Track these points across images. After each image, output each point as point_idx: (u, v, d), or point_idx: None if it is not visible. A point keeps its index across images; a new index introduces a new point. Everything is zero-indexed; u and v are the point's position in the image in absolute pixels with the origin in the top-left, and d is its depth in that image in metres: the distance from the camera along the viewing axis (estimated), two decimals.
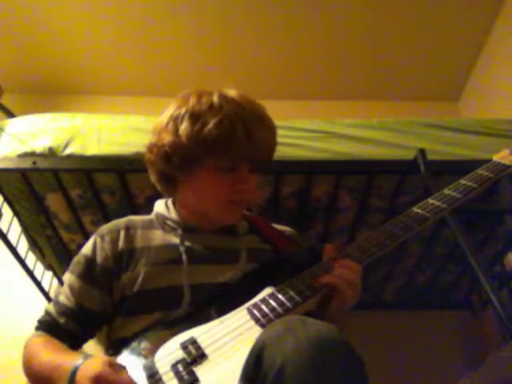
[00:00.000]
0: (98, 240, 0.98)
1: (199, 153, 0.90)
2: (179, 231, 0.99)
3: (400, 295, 2.14)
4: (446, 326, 2.16)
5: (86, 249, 0.98)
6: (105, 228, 1.01)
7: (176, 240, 0.97)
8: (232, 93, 0.95)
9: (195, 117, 0.90)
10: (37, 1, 2.49)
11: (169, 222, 1.01)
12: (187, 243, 0.97)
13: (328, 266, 0.85)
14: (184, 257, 0.94)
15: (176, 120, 0.92)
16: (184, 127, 0.90)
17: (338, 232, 1.73)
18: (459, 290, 2.14)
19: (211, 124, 0.88)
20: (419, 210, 0.98)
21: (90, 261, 0.96)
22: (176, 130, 0.91)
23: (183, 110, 0.92)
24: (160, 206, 1.07)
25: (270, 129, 0.98)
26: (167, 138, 0.92)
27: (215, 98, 0.92)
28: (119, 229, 0.99)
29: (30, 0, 2.48)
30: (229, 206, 0.96)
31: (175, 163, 0.93)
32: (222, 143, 0.89)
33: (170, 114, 0.94)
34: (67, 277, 0.98)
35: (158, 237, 0.99)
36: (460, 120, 1.74)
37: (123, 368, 0.74)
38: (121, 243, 0.96)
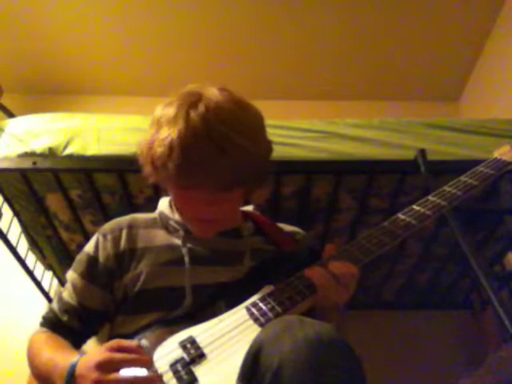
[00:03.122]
0: (101, 239, 0.98)
1: (149, 167, 0.86)
2: (181, 232, 0.98)
3: (400, 295, 2.14)
4: (446, 325, 2.16)
5: (89, 247, 0.99)
6: (107, 226, 1.01)
7: (178, 241, 0.97)
8: (212, 102, 0.83)
9: (156, 126, 0.85)
10: (37, 1, 2.49)
11: (171, 223, 1.00)
12: (189, 245, 0.96)
13: (324, 265, 0.85)
14: (186, 258, 0.93)
15: (154, 142, 0.85)
16: (144, 137, 0.87)
17: (338, 232, 1.73)
18: (459, 290, 2.14)
19: (156, 142, 0.82)
20: (419, 208, 0.97)
21: (92, 260, 0.96)
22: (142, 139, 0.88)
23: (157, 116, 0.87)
24: (164, 204, 1.05)
25: (234, 153, 0.82)
26: (141, 146, 0.89)
27: (180, 111, 0.82)
28: (121, 228, 0.99)
29: (30, 0, 2.48)
30: (197, 223, 0.93)
31: (150, 178, 0.89)
32: (161, 163, 0.82)
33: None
34: (70, 274, 0.99)
35: (161, 237, 0.98)
36: (460, 120, 1.74)
37: (121, 343, 0.74)
38: (123, 242, 0.96)
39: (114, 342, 0.75)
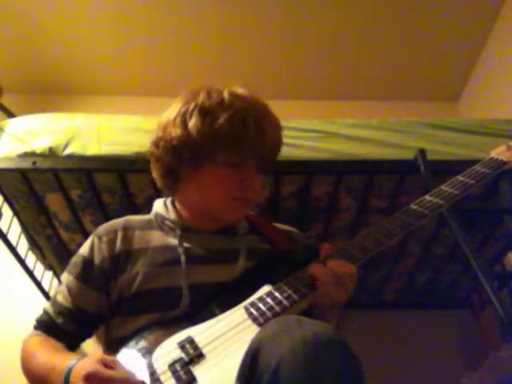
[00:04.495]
0: (96, 241, 0.98)
1: (209, 147, 0.90)
2: (178, 232, 0.98)
3: (400, 295, 2.14)
4: (446, 326, 2.16)
5: (84, 249, 0.99)
6: (102, 228, 1.01)
7: (174, 241, 0.96)
8: (240, 90, 0.95)
9: (205, 112, 0.90)
10: (37, 1, 2.49)
11: (167, 223, 1.00)
12: (186, 244, 0.96)
13: (323, 263, 0.85)
14: (182, 258, 0.93)
15: (185, 115, 0.91)
16: (194, 122, 0.89)
17: (338, 232, 1.73)
18: (459, 290, 2.14)
19: (222, 119, 0.88)
20: (417, 207, 0.97)
21: (88, 262, 0.96)
22: (185, 125, 0.90)
23: (192, 105, 0.91)
24: (159, 205, 1.05)
25: (277, 127, 0.99)
26: (175, 132, 0.91)
27: (225, 94, 0.92)
28: (117, 230, 0.99)
29: (29, 0, 2.48)
30: (233, 203, 0.95)
31: (183, 158, 0.92)
32: (234, 138, 0.89)
33: (178, 109, 0.93)
34: (65, 277, 0.98)
35: (157, 237, 0.98)
36: (460, 120, 1.75)
37: (117, 363, 0.74)
38: (118, 244, 0.96)
39: (110, 358, 0.74)
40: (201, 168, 0.93)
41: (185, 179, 0.96)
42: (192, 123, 0.89)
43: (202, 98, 0.92)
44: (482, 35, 2.60)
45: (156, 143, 0.95)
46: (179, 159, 0.92)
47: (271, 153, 0.98)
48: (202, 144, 0.89)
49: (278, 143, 0.99)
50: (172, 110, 0.95)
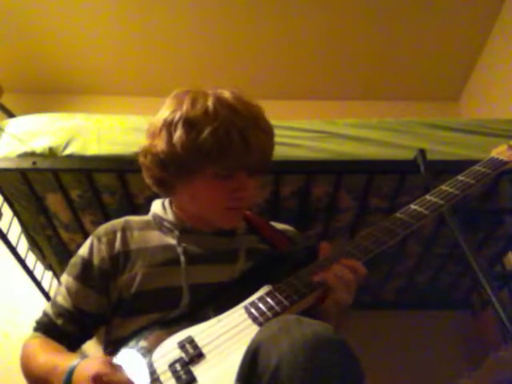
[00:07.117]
0: (95, 241, 0.98)
1: (195, 162, 0.89)
2: (176, 233, 0.98)
3: (400, 295, 2.14)
4: (445, 326, 2.16)
5: (83, 250, 0.99)
6: (101, 229, 1.01)
7: (173, 241, 0.97)
8: (227, 95, 0.92)
9: (189, 124, 0.88)
10: (37, 1, 2.49)
11: (166, 224, 1.01)
12: (184, 244, 0.97)
13: (326, 264, 0.85)
14: (182, 258, 0.93)
15: (170, 126, 0.89)
16: (178, 135, 0.88)
17: (338, 232, 1.73)
18: (459, 290, 2.14)
19: (206, 133, 0.86)
20: (417, 207, 0.97)
21: (87, 262, 0.96)
22: (170, 138, 0.89)
23: (177, 116, 0.89)
24: (157, 206, 1.06)
25: (266, 132, 0.95)
26: (161, 146, 0.90)
27: (210, 103, 0.89)
28: (116, 230, 0.99)
29: (30, 1, 2.48)
30: (227, 213, 0.95)
31: (171, 171, 0.92)
32: (218, 152, 0.87)
33: (164, 118, 0.91)
34: (64, 278, 0.98)
35: (155, 238, 0.99)
36: (460, 120, 1.74)
37: (120, 367, 0.74)
38: (117, 245, 0.96)
39: (115, 362, 0.74)
40: (191, 180, 0.93)
41: (178, 188, 0.96)
42: (176, 137, 0.88)
43: (186, 107, 0.89)
44: (481, 35, 2.60)
45: (144, 154, 0.96)
46: (167, 173, 0.93)
47: (260, 161, 0.94)
48: (187, 159, 0.88)
49: (267, 151, 0.96)
50: (158, 117, 0.93)
